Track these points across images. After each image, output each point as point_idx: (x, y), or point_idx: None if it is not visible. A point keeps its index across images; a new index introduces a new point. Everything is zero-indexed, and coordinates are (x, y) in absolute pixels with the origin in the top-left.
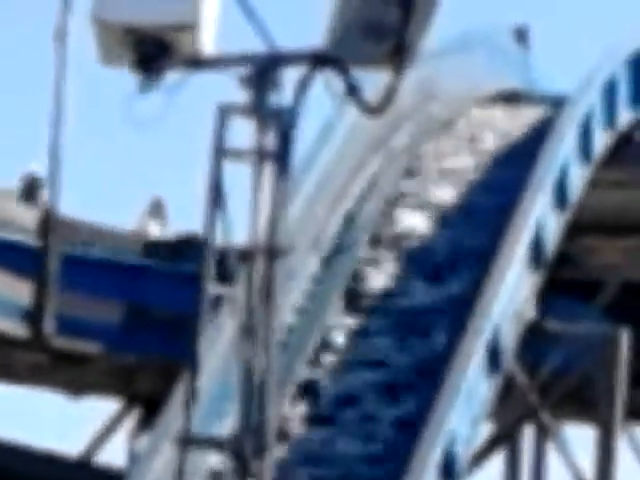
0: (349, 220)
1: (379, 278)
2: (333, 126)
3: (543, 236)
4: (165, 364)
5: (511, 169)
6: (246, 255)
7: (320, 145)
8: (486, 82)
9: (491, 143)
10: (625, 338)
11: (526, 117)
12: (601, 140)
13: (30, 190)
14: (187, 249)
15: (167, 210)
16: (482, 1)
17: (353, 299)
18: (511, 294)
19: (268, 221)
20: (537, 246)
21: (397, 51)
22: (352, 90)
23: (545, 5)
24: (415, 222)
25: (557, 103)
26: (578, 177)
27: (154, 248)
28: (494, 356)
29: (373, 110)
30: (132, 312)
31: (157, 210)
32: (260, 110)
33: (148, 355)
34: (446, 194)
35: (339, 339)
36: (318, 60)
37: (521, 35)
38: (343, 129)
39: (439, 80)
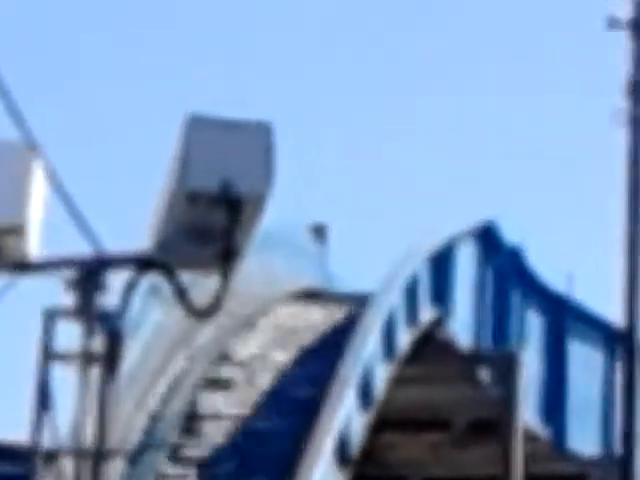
0: (154, 419)
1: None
2: (138, 324)
3: (349, 435)
4: None
5: (314, 367)
6: (76, 457)
7: (128, 341)
8: (285, 280)
9: (294, 342)
10: None
11: (327, 315)
12: (404, 338)
13: None
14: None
15: None
16: (280, 199)
17: None
18: None
19: (95, 423)
20: (343, 445)
21: (224, 255)
22: (179, 293)
23: (342, 205)
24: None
25: (358, 301)
26: (382, 375)
27: None
28: None
29: (201, 313)
30: None
31: None
32: (86, 313)
33: None
34: (248, 396)
35: None
36: (144, 264)
37: (319, 233)
38: (148, 327)
39: (239, 278)
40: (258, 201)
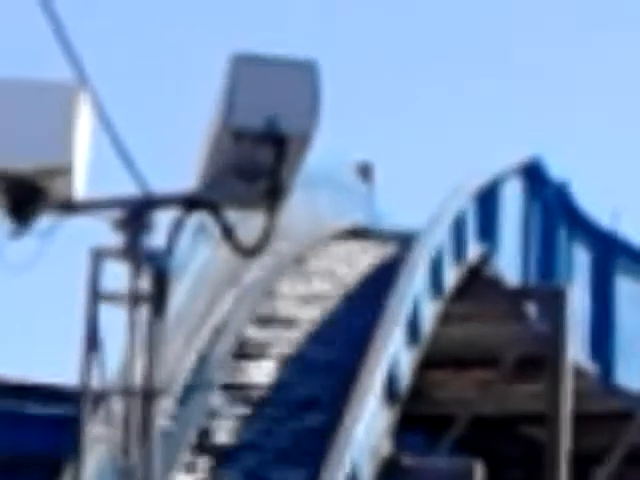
0: (202, 359)
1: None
2: (185, 264)
3: (397, 371)
4: None
5: (362, 306)
6: (125, 397)
7: (174, 281)
8: (331, 219)
9: (341, 280)
10: (478, 471)
11: (374, 253)
12: (451, 275)
13: None
14: (31, 391)
15: None
16: (325, 138)
17: (206, 439)
18: (368, 430)
19: (144, 363)
20: (392, 382)
21: (271, 192)
22: (226, 232)
23: (388, 143)
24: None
25: (405, 239)
26: (430, 312)
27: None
28: None
29: (248, 252)
30: None
31: None
32: (134, 253)
33: None
34: (297, 332)
35: None
36: (191, 203)
37: (365, 172)
38: (195, 266)
39: (285, 217)
40: (304, 138)
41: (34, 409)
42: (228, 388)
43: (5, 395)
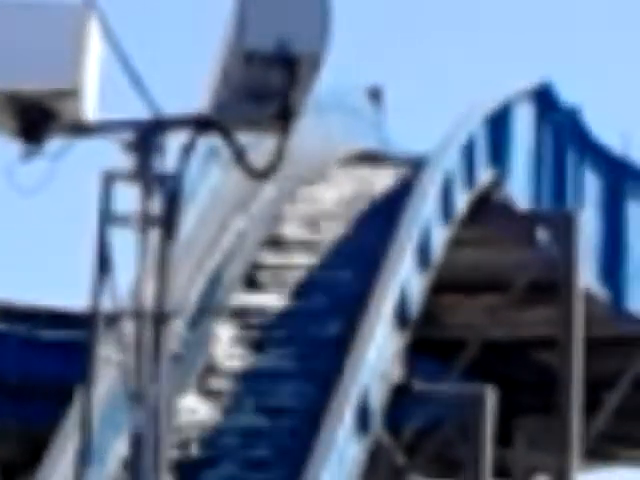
0: (214, 281)
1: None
2: (196, 187)
3: (408, 296)
4: (22, 430)
5: (373, 230)
6: (136, 320)
7: (185, 206)
8: (342, 143)
9: (351, 204)
10: (490, 397)
11: (384, 177)
12: (461, 200)
13: None
14: (42, 315)
15: None
16: (336, 61)
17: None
18: (379, 354)
19: (155, 286)
20: (402, 306)
21: (282, 114)
22: (237, 154)
23: (399, 67)
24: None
25: (415, 163)
26: (440, 237)
27: (8, 313)
28: (363, 417)
29: (260, 174)
30: None
31: None
32: (144, 175)
33: (3, 421)
34: (307, 260)
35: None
36: (202, 125)
37: (375, 95)
38: (206, 189)
39: (295, 140)
40: (314, 60)
41: (45, 334)
42: (238, 313)
43: (16, 320)
